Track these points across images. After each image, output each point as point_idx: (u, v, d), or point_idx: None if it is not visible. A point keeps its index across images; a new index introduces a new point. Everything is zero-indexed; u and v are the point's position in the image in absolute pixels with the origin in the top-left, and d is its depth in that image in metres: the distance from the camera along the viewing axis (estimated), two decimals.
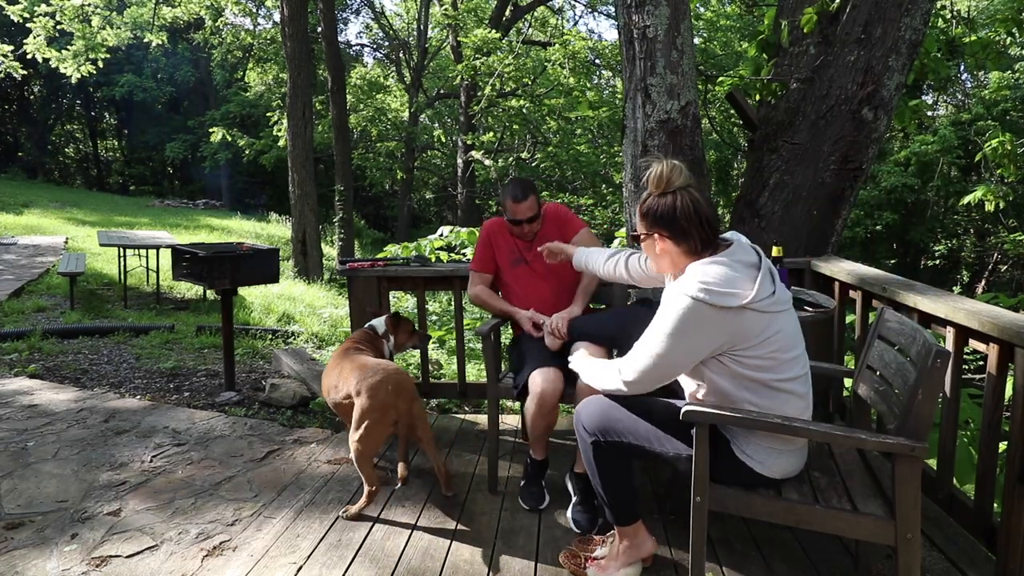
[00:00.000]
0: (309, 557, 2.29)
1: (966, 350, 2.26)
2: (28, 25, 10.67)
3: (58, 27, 11.03)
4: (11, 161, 27.66)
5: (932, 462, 2.54)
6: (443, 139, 22.95)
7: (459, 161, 19.46)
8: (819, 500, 1.80)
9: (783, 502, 1.79)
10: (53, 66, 11.41)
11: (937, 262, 17.24)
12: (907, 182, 15.08)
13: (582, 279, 2.83)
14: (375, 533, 2.46)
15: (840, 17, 3.70)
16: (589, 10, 21.38)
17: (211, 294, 8.16)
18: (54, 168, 30.44)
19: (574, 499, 2.53)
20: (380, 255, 5.65)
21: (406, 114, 21.99)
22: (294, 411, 3.87)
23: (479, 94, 16.63)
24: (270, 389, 4.04)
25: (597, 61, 17.01)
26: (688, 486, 1.82)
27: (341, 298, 9.94)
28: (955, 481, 2.39)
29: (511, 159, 18.65)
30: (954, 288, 16.30)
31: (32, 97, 29.20)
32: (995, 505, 2.17)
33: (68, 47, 11.24)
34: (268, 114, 16.29)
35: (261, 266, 4.09)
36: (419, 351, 3.72)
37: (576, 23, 26.98)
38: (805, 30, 3.82)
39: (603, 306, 3.13)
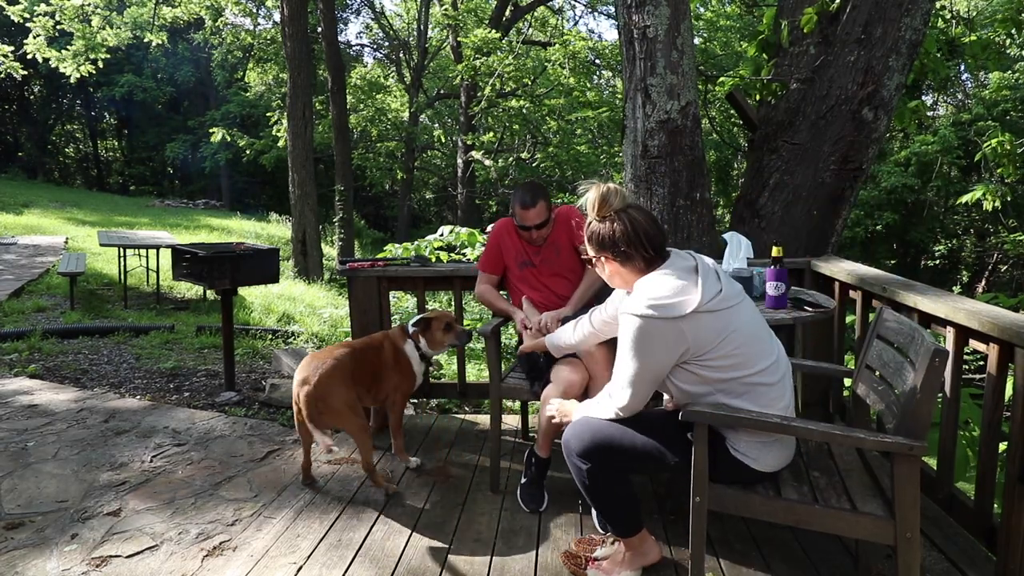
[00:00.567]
0: (309, 557, 2.29)
1: (966, 350, 2.26)
2: (28, 25, 10.67)
3: (58, 27, 11.03)
4: (11, 161, 27.65)
5: (932, 462, 2.54)
6: (443, 139, 22.95)
7: (459, 161, 19.47)
8: (819, 500, 1.80)
9: (783, 502, 1.79)
10: (53, 66, 11.42)
11: (937, 262, 17.24)
12: (907, 182, 15.08)
13: (579, 286, 2.82)
14: (375, 533, 2.46)
15: (840, 17, 3.71)
16: (589, 10, 21.39)
17: (211, 294, 8.16)
18: (54, 168, 30.43)
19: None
20: (380, 255, 5.65)
21: (406, 114, 21.99)
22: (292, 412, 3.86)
23: (479, 94, 16.64)
24: (270, 389, 4.04)
25: (597, 61, 17.00)
26: (688, 486, 1.82)
27: (341, 298, 9.94)
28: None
29: (511, 159, 18.65)
30: (954, 288, 16.30)
31: (32, 97, 29.20)
32: (995, 505, 2.17)
33: (68, 47, 11.24)
34: (268, 114, 16.29)
35: (261, 266, 4.09)
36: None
37: (576, 23, 26.98)
38: (805, 30, 3.82)
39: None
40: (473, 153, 17.73)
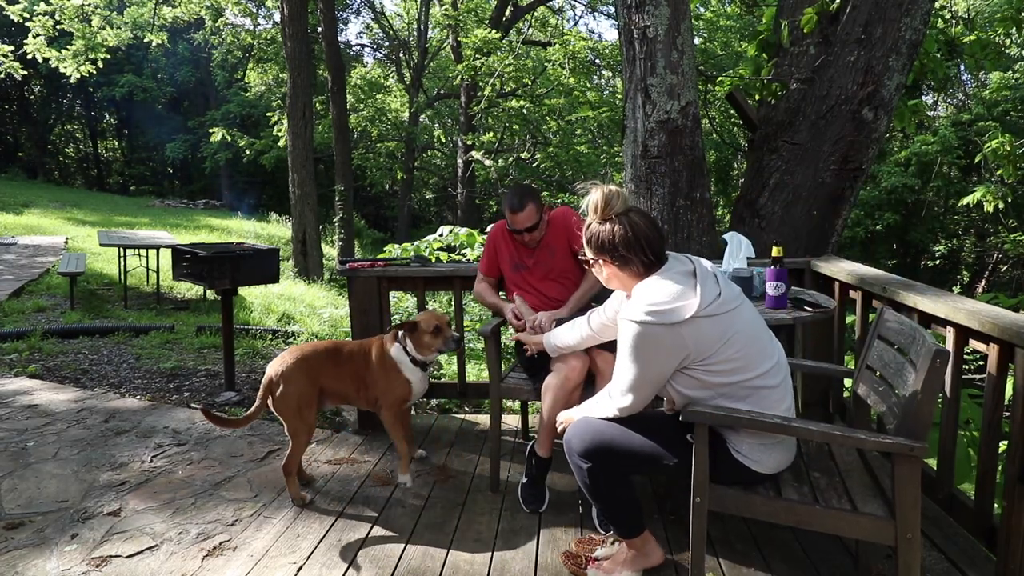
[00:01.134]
0: (309, 557, 2.29)
1: (966, 350, 2.26)
2: (28, 25, 10.67)
3: (58, 27, 11.03)
4: (11, 161, 27.65)
5: (932, 462, 2.54)
6: (443, 139, 22.95)
7: (459, 161, 19.47)
8: (819, 500, 1.80)
9: (783, 502, 1.79)
10: (53, 66, 11.41)
11: (937, 262, 17.24)
12: (907, 182, 15.08)
13: (579, 287, 2.82)
14: (375, 533, 2.46)
15: (840, 17, 3.71)
16: (589, 10, 21.38)
17: (211, 294, 8.16)
18: (54, 168, 30.43)
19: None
20: (380, 255, 5.65)
21: (406, 114, 21.99)
22: None
23: (479, 94, 16.64)
24: None
25: (597, 61, 17.00)
26: (688, 486, 1.82)
27: (341, 298, 9.94)
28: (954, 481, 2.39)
29: (511, 159, 18.65)
30: (954, 288, 16.30)
31: (32, 97, 29.19)
32: (995, 505, 2.17)
33: (68, 47, 11.23)
34: (268, 114, 16.30)
35: (261, 266, 4.09)
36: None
37: (576, 23, 27.00)
38: (805, 30, 3.82)
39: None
40: (473, 153, 17.73)
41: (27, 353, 5.10)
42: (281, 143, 14.48)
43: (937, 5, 4.14)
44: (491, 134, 18.71)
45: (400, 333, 2.79)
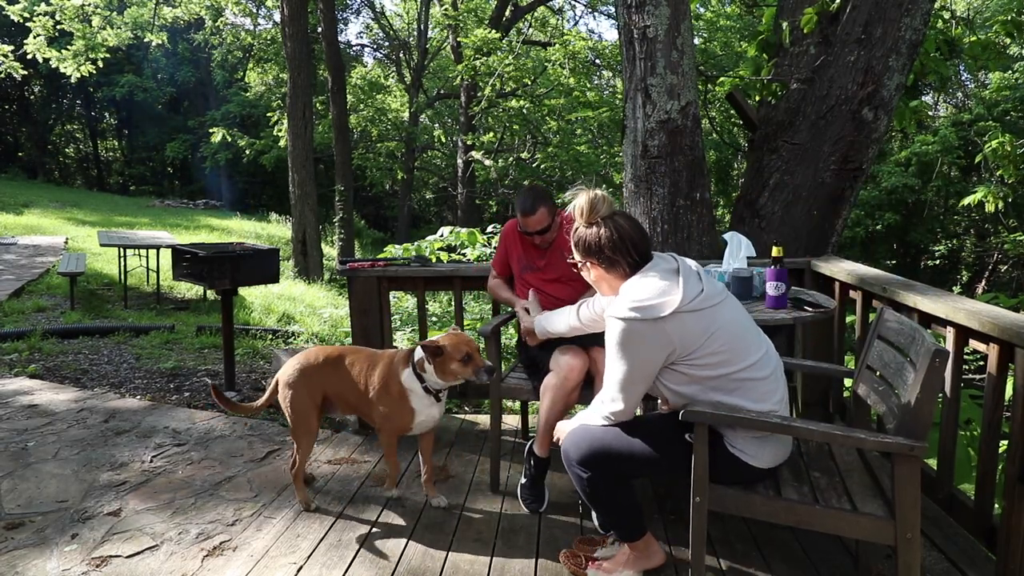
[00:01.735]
0: (309, 557, 2.29)
1: (966, 350, 2.26)
2: (28, 25, 10.67)
3: (58, 27, 11.03)
4: (11, 161, 27.64)
5: (932, 462, 2.54)
6: (443, 139, 22.95)
7: (459, 161, 19.47)
8: (819, 500, 1.81)
9: (783, 502, 1.79)
10: (53, 66, 11.41)
11: (937, 262, 17.23)
12: (907, 182, 15.08)
13: (588, 289, 2.82)
14: (375, 533, 2.46)
15: (840, 17, 3.71)
16: (589, 10, 21.39)
17: (211, 294, 8.16)
18: (54, 168, 30.43)
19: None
20: (380, 255, 5.65)
21: (406, 114, 21.99)
22: None
23: (479, 94, 16.64)
24: None
25: (597, 61, 17.00)
26: (688, 486, 1.82)
27: (341, 298, 9.94)
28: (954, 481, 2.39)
29: (511, 159, 18.65)
30: (954, 288, 16.29)
31: (32, 97, 29.19)
32: (995, 505, 2.17)
33: (68, 47, 11.23)
34: (268, 114, 16.29)
35: (261, 266, 4.09)
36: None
37: (576, 23, 26.98)
38: (805, 30, 3.82)
39: None
40: (473, 153, 17.73)
41: (27, 353, 5.10)
42: (281, 143, 14.49)
43: (937, 5, 4.14)
44: (491, 134, 18.71)
45: (418, 357, 2.44)
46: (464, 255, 6.25)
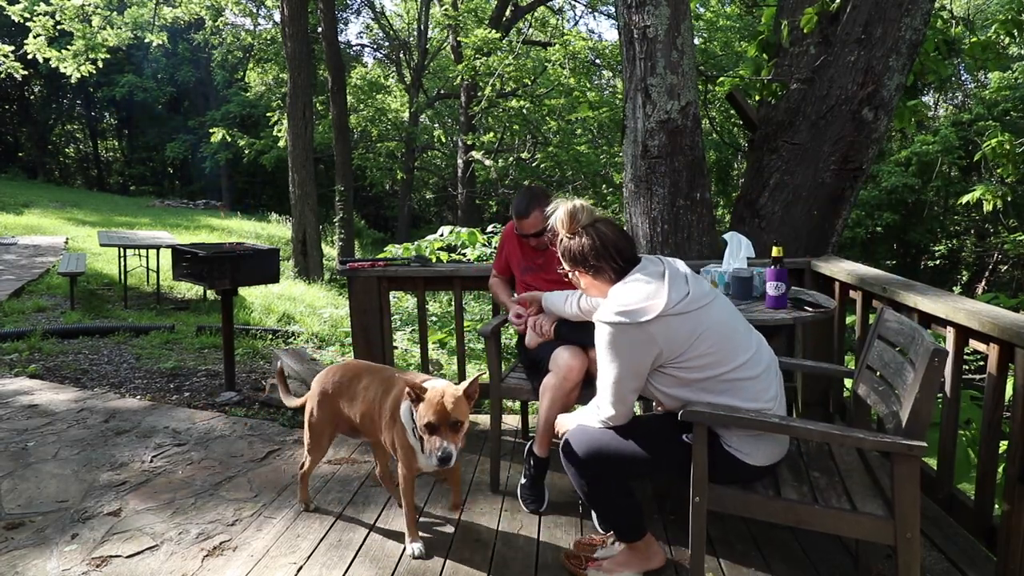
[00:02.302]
0: (309, 557, 2.29)
1: (966, 350, 2.26)
2: (28, 25, 10.67)
3: (58, 27, 11.03)
4: (11, 161, 27.66)
5: (932, 462, 2.54)
6: (443, 139, 22.95)
7: (459, 161, 19.47)
8: (818, 500, 1.80)
9: (783, 502, 1.79)
10: (53, 66, 11.41)
11: (937, 262, 17.24)
12: (907, 182, 15.08)
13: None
14: (375, 533, 2.46)
15: (840, 17, 3.71)
16: (589, 10, 21.38)
17: (211, 294, 8.16)
18: (54, 168, 30.44)
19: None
20: (380, 255, 5.65)
21: (406, 114, 21.99)
22: (294, 411, 3.87)
23: (479, 94, 16.64)
24: (270, 389, 4.04)
25: (597, 61, 17.00)
26: (687, 486, 1.82)
27: (341, 298, 9.94)
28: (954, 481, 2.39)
29: (511, 159, 18.66)
30: (954, 288, 16.30)
31: (32, 97, 29.20)
32: (995, 505, 2.17)
33: (68, 47, 11.24)
34: (268, 114, 16.29)
35: (261, 266, 4.10)
36: (419, 351, 3.69)
37: (576, 23, 26.97)
38: (805, 30, 3.82)
39: None
40: (473, 153, 17.73)
41: (27, 353, 5.10)
42: (281, 143, 14.48)
43: (936, 5, 4.14)
44: (491, 134, 18.71)
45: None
46: (464, 255, 6.26)
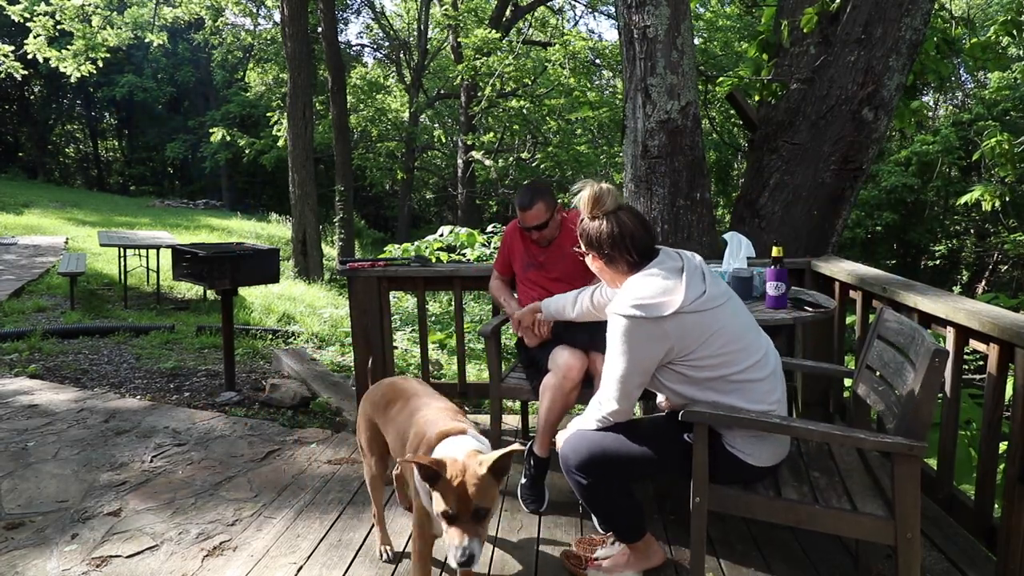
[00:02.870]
0: (309, 557, 2.29)
1: (966, 350, 2.26)
2: (28, 25, 10.67)
3: (58, 27, 11.03)
4: (11, 161, 27.65)
5: (932, 462, 2.54)
6: (443, 139, 22.95)
7: (459, 161, 19.47)
8: (819, 500, 1.80)
9: (783, 502, 1.79)
10: (53, 66, 11.42)
11: (937, 262, 17.24)
12: (907, 182, 15.09)
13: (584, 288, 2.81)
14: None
15: (840, 17, 3.71)
16: (589, 10, 21.38)
17: (211, 294, 8.16)
18: (54, 168, 30.43)
19: None
20: (380, 255, 5.65)
21: (406, 114, 21.99)
22: (294, 411, 3.87)
23: (479, 94, 16.64)
24: (270, 389, 4.04)
25: (597, 61, 17.00)
26: (687, 487, 1.82)
27: (341, 298, 9.94)
28: (954, 481, 2.39)
29: (511, 159, 18.66)
30: (954, 288, 16.29)
31: (32, 97, 29.20)
32: (995, 505, 2.17)
33: (68, 47, 11.24)
34: (268, 114, 16.29)
35: (261, 266, 4.09)
36: (419, 351, 3.69)
37: (576, 23, 26.97)
38: (805, 30, 3.82)
39: None
40: (473, 153, 17.74)
41: (27, 353, 5.10)
42: (281, 143, 14.48)
43: (936, 5, 4.14)
44: (491, 134, 18.72)
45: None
46: (464, 255, 6.26)
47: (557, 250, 2.84)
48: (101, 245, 9.05)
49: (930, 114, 17.85)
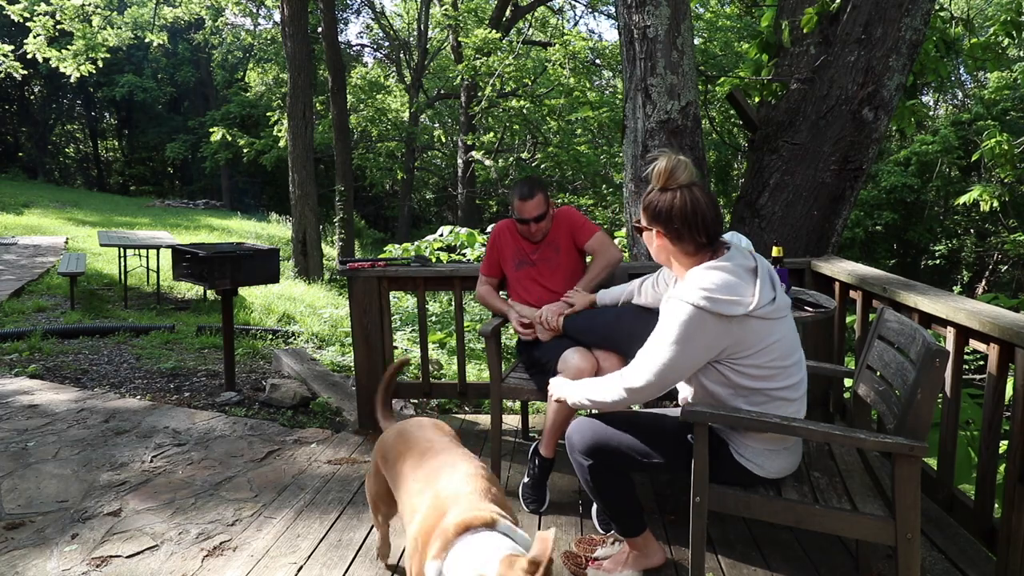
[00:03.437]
0: (309, 557, 2.29)
1: (966, 350, 2.26)
2: (28, 25, 10.68)
3: (58, 27, 11.04)
4: (11, 161, 27.67)
5: (932, 462, 2.54)
6: (443, 139, 22.97)
7: (459, 161, 19.47)
8: (819, 500, 1.80)
9: (783, 502, 1.79)
10: (53, 66, 11.42)
11: (937, 262, 17.25)
12: (907, 182, 15.10)
13: (583, 278, 2.81)
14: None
15: (840, 17, 3.71)
16: (589, 10, 21.38)
17: (211, 294, 8.16)
18: (54, 168, 30.44)
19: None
20: (380, 255, 5.65)
21: (406, 114, 22.00)
22: (294, 411, 3.87)
23: (479, 94, 16.63)
24: (270, 389, 4.04)
25: (597, 61, 17.00)
26: (688, 486, 1.82)
27: (341, 298, 9.94)
28: (955, 481, 2.39)
29: (511, 159, 18.66)
30: (954, 288, 16.31)
31: (32, 97, 29.20)
32: (995, 505, 2.17)
33: (68, 47, 11.24)
34: (268, 114, 16.30)
35: (261, 266, 4.09)
36: (419, 351, 3.69)
37: (576, 23, 26.99)
38: (805, 30, 3.82)
39: None
40: (473, 153, 17.73)
41: (27, 353, 5.10)
42: (281, 143, 14.49)
43: (936, 5, 4.14)
44: (491, 134, 18.72)
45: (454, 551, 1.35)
46: (464, 255, 6.26)
47: (548, 247, 2.84)
48: (101, 245, 9.04)
49: (930, 114, 17.86)
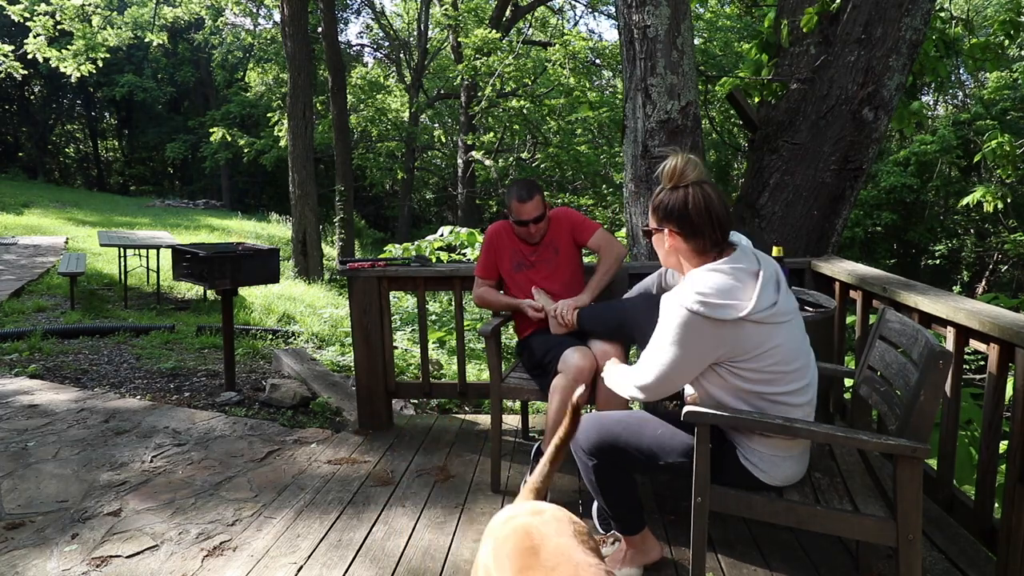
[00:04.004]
0: (309, 557, 2.29)
1: (966, 350, 2.26)
2: (28, 25, 10.68)
3: (58, 27, 11.04)
4: (11, 161, 27.67)
5: (933, 462, 2.53)
6: (443, 139, 22.97)
7: (459, 161, 19.48)
8: (820, 501, 1.80)
9: (784, 503, 1.79)
10: (53, 66, 11.43)
11: (937, 262, 17.25)
12: (907, 182, 15.10)
13: (595, 274, 2.81)
14: (375, 533, 2.46)
15: (840, 17, 3.70)
16: (589, 10, 21.38)
17: (211, 294, 8.16)
18: (54, 168, 30.44)
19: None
20: (380, 255, 5.65)
21: (406, 114, 22.00)
22: (294, 411, 3.87)
23: (479, 94, 16.64)
24: (270, 389, 4.04)
25: (597, 61, 17.00)
26: (689, 487, 1.82)
27: (341, 298, 9.94)
28: (955, 481, 2.39)
29: (511, 159, 18.66)
30: (954, 288, 16.30)
31: (32, 97, 29.20)
32: (995, 505, 2.17)
33: (68, 47, 11.24)
34: (268, 114, 16.32)
35: (261, 266, 4.09)
36: (419, 350, 3.69)
37: (576, 23, 26.99)
38: (805, 30, 3.82)
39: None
40: (473, 153, 17.74)
41: (27, 353, 5.10)
42: (281, 143, 14.50)
43: (936, 5, 4.14)
44: (491, 134, 18.73)
45: None
46: (464, 255, 6.26)
47: (547, 248, 2.84)
48: (101, 245, 9.04)
49: (929, 114, 17.87)
